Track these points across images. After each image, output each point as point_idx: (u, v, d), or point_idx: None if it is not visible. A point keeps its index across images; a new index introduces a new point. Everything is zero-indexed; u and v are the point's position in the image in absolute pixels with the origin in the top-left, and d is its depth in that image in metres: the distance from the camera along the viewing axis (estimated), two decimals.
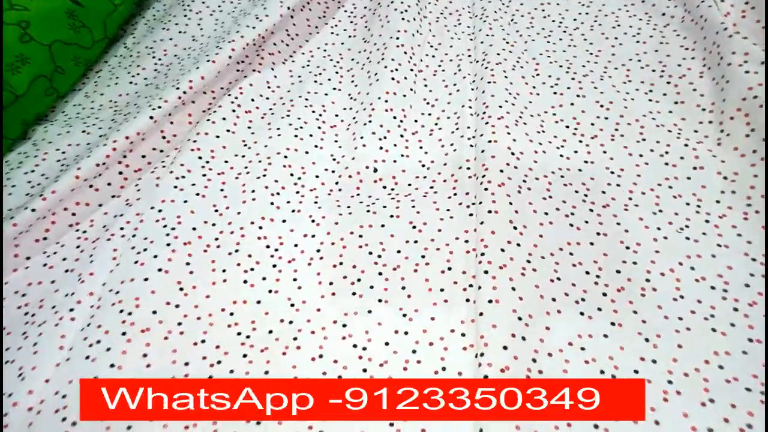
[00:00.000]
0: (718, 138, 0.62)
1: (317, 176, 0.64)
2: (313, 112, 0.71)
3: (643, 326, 0.49)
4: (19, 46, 0.66)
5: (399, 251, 0.56)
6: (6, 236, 0.55)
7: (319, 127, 0.69)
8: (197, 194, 0.61)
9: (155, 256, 0.55)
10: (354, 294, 0.53)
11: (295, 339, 0.51)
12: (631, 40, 0.75)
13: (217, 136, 0.67)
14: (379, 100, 0.70)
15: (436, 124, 0.69)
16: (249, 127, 0.69)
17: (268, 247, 0.57)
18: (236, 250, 0.57)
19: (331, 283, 0.54)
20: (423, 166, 0.65)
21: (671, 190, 0.59)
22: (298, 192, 0.63)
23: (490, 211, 0.56)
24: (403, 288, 0.53)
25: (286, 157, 0.65)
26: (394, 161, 0.65)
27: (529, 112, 0.68)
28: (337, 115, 0.71)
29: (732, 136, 0.61)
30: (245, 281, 0.55)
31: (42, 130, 0.70)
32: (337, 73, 0.77)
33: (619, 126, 0.66)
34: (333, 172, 0.65)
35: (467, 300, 0.52)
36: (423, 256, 0.55)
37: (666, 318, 0.50)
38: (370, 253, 0.56)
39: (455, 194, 0.61)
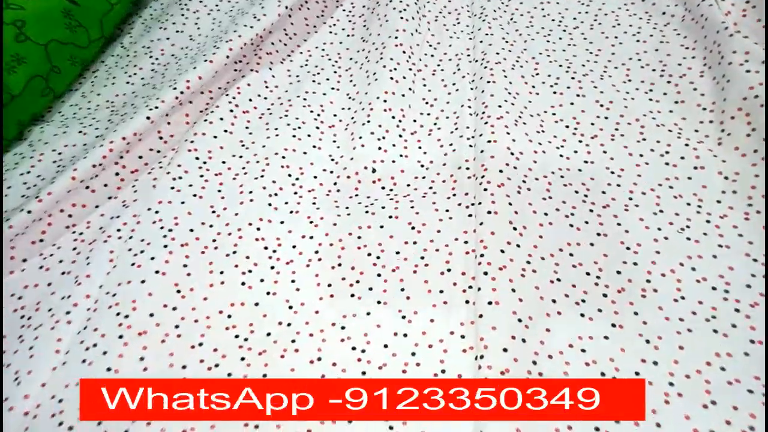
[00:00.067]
0: (719, 138, 0.62)
1: (315, 177, 0.64)
2: (312, 112, 0.70)
3: (644, 327, 0.49)
4: (15, 45, 0.65)
5: (398, 252, 0.56)
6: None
7: (318, 128, 0.69)
8: (194, 195, 0.61)
9: (152, 258, 0.55)
10: (353, 296, 0.53)
11: (293, 341, 0.50)
12: (631, 39, 0.75)
13: (215, 137, 0.66)
14: (377, 100, 0.69)
15: (435, 123, 0.69)
16: (247, 128, 0.69)
17: (266, 248, 0.57)
18: (234, 252, 0.56)
19: (329, 285, 0.54)
20: (422, 166, 0.65)
21: (672, 190, 0.59)
22: (296, 193, 0.62)
23: (489, 212, 0.55)
24: (402, 290, 0.53)
25: (284, 157, 0.65)
26: (393, 161, 0.65)
27: (528, 111, 0.68)
28: (335, 115, 0.71)
29: (733, 135, 0.61)
30: (243, 283, 0.54)
31: (38, 130, 0.70)
32: (335, 72, 0.76)
33: (619, 126, 0.65)
34: (331, 172, 0.65)
35: (467, 301, 0.52)
36: (422, 258, 0.55)
37: (667, 319, 0.49)
38: (369, 254, 0.56)
39: (454, 195, 0.60)
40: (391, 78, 0.71)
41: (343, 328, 0.51)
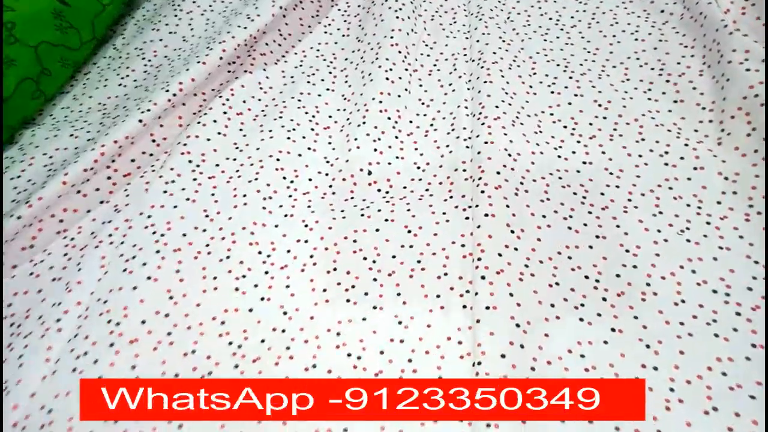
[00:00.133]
0: (719, 137, 0.61)
1: (310, 179, 0.63)
2: (306, 113, 0.70)
3: (644, 332, 0.48)
4: (5, 47, 0.64)
5: (394, 256, 0.55)
6: None
7: (312, 129, 0.68)
8: (187, 199, 0.60)
9: (144, 264, 0.54)
10: (348, 301, 0.52)
11: (287, 348, 0.49)
12: (629, 38, 0.74)
13: (208, 139, 0.65)
14: (373, 101, 0.68)
15: (432, 124, 0.68)
16: (240, 130, 0.68)
17: (260, 253, 0.56)
18: (227, 257, 0.55)
19: (324, 290, 0.53)
20: (418, 168, 0.64)
21: (671, 191, 0.58)
22: (290, 196, 0.61)
23: (486, 215, 0.55)
24: (399, 294, 0.52)
25: (278, 160, 0.64)
26: (389, 163, 0.64)
27: (526, 112, 0.67)
28: (330, 117, 0.70)
29: (733, 135, 0.60)
30: (237, 288, 0.53)
31: (29, 134, 0.69)
32: (330, 73, 0.76)
33: (618, 126, 0.64)
34: (326, 175, 0.64)
35: (464, 306, 0.51)
36: (418, 261, 0.54)
37: (667, 323, 0.49)
38: (365, 258, 0.55)
39: (451, 197, 0.59)
40: (387, 78, 0.71)
41: (338, 334, 0.50)
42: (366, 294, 0.52)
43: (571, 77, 0.71)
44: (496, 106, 0.65)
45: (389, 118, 0.67)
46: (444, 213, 0.58)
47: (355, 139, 0.65)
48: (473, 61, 0.73)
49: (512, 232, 0.54)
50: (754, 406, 0.43)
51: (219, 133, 0.66)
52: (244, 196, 0.60)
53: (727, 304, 0.49)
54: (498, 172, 0.58)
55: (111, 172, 0.62)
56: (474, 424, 0.43)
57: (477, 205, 0.56)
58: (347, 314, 0.51)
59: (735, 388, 0.44)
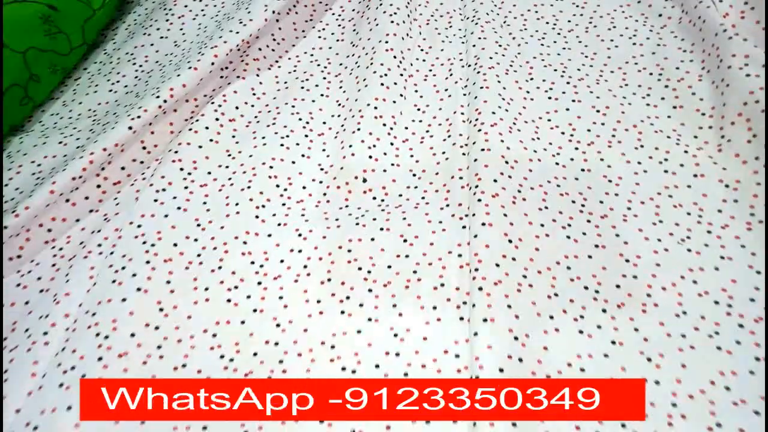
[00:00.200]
0: (719, 144, 0.60)
1: (304, 187, 0.62)
2: (300, 119, 0.68)
3: (645, 345, 0.47)
4: None
5: (389, 266, 0.54)
6: None
7: (306, 136, 0.67)
8: (178, 208, 0.59)
9: (134, 275, 0.52)
10: (343, 312, 0.51)
11: (280, 362, 0.48)
12: (627, 42, 0.73)
13: (200, 146, 0.64)
14: (368, 107, 0.67)
15: (428, 131, 0.67)
16: (233, 137, 0.66)
17: (252, 263, 0.55)
18: (219, 267, 0.54)
19: (318, 302, 0.52)
20: (414, 175, 0.63)
21: (671, 199, 0.57)
22: (284, 204, 0.60)
23: (483, 224, 0.54)
24: (394, 306, 0.51)
25: (271, 167, 0.63)
26: (384, 170, 0.63)
27: (523, 118, 0.66)
28: (324, 123, 0.69)
29: (733, 142, 0.59)
30: (229, 300, 0.52)
31: (17, 141, 0.67)
32: (324, 78, 0.74)
33: (617, 132, 0.64)
34: (321, 182, 0.63)
35: (461, 318, 0.50)
36: (414, 272, 0.53)
37: (669, 336, 0.48)
38: (360, 268, 0.54)
39: (447, 205, 0.58)
40: (382, 84, 0.69)
41: (332, 347, 0.49)
42: (361, 305, 0.51)
43: (568, 82, 0.70)
44: (493, 112, 0.64)
45: (384, 125, 0.66)
46: (440, 222, 0.57)
47: (350, 146, 0.64)
48: (469, 66, 0.72)
49: (510, 241, 0.53)
50: (758, 422, 0.42)
51: (211, 140, 0.65)
52: (237, 204, 0.59)
53: (729, 315, 0.49)
54: (495, 180, 0.57)
55: (100, 180, 0.61)
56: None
57: (474, 214, 0.55)
58: (342, 326, 0.50)
59: (739, 403, 0.43)
